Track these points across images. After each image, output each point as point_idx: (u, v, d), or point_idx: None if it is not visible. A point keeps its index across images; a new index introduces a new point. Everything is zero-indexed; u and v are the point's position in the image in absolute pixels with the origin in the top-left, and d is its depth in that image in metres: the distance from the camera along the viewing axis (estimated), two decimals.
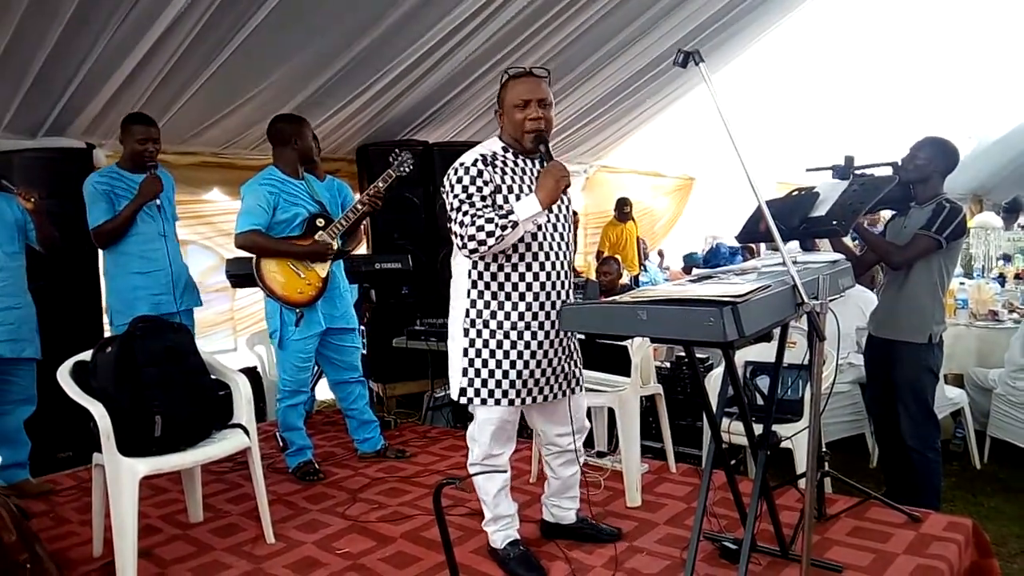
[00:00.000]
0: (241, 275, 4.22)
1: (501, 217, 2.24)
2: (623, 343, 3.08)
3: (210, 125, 4.53)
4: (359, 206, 3.54)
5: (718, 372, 3.52)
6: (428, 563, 2.58)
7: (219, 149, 4.81)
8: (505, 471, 2.52)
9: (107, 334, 3.90)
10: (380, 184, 3.51)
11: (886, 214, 3.80)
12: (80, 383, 2.61)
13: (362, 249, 5.34)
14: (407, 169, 3.57)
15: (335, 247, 3.51)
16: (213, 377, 2.87)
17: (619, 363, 3.18)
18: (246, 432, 2.75)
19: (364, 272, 4.39)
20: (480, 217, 2.25)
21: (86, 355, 2.70)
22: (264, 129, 4.79)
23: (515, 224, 2.24)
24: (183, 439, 2.64)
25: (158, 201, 3.52)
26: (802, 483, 2.81)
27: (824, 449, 2.92)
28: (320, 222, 3.47)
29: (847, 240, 3.42)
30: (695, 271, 5.58)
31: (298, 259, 3.44)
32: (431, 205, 5.37)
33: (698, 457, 3.81)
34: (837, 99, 8.44)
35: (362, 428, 3.77)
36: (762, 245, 6.86)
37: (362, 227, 4.01)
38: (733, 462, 2.95)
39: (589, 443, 3.44)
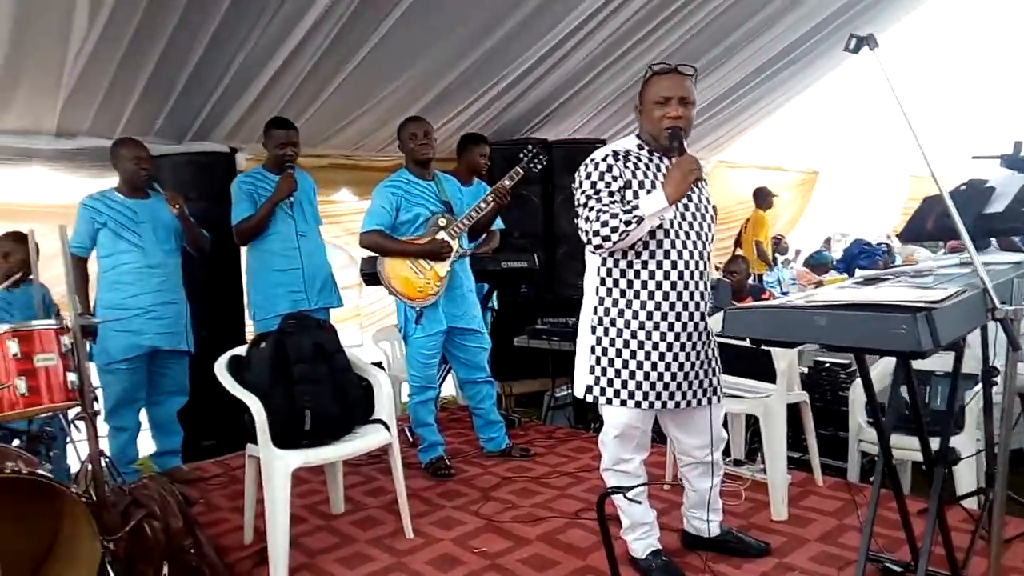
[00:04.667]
0: (373, 273, 4.34)
1: (626, 212, 2.20)
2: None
3: (340, 129, 4.67)
4: (483, 204, 3.55)
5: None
6: (567, 567, 2.54)
7: (348, 151, 4.95)
8: (644, 482, 2.45)
9: (248, 329, 4.08)
10: (506, 181, 3.52)
11: None
12: (234, 377, 2.73)
13: None
14: (537, 166, 3.56)
15: (454, 247, 3.51)
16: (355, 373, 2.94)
17: (757, 367, 3.03)
18: (387, 428, 2.81)
19: (490, 271, 4.41)
20: (605, 212, 2.22)
21: (240, 350, 2.82)
22: (391, 130, 4.94)
23: (640, 219, 2.19)
24: (329, 433, 2.73)
25: (292, 198, 3.63)
26: (968, 501, 2.62)
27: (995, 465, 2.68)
28: (442, 222, 3.51)
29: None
30: (835, 272, 5.27)
31: (416, 258, 3.48)
32: (550, 203, 5.32)
33: (839, 469, 3.59)
34: (983, 86, 7.82)
35: (487, 427, 3.80)
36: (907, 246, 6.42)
37: (495, 229, 4.03)
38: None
39: (726, 451, 3.31)
